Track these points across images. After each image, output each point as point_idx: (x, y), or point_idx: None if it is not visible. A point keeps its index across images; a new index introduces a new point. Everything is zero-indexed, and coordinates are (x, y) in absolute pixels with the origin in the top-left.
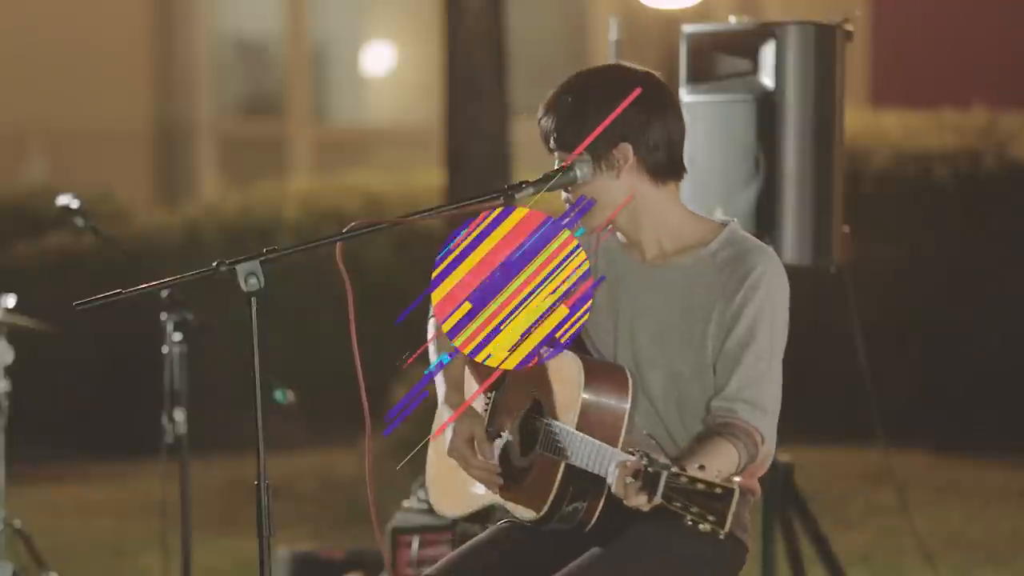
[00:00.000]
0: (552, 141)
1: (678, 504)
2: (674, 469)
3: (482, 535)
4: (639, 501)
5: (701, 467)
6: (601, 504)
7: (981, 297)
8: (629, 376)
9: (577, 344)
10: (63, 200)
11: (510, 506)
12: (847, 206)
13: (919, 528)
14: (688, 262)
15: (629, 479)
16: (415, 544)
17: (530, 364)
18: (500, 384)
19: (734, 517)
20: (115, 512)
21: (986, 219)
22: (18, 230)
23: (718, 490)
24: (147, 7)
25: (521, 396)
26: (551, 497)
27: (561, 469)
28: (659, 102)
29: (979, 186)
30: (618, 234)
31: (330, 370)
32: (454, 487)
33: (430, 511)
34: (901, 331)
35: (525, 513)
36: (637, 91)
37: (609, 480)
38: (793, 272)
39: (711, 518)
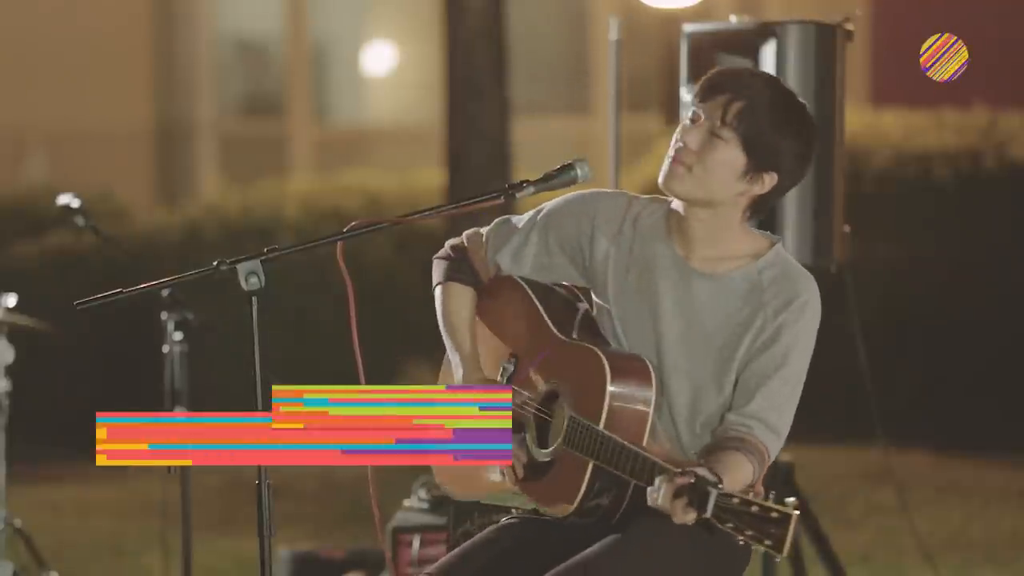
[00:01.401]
0: (730, 120)
1: (730, 525)
2: (723, 488)
3: (483, 533)
4: (688, 518)
5: (748, 488)
6: (625, 502)
7: (981, 297)
8: (651, 368)
9: (594, 320)
10: (63, 200)
11: (532, 500)
12: (847, 206)
13: (919, 528)
14: (735, 275)
15: (678, 495)
16: (416, 543)
17: (547, 346)
18: (511, 366)
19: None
20: (115, 512)
21: (986, 219)
22: (18, 230)
23: (774, 515)
24: (147, 7)
25: (534, 378)
26: (579, 496)
27: (590, 469)
28: (811, 161)
29: (979, 186)
30: (664, 212)
31: (331, 369)
32: (466, 468)
33: (431, 511)
34: (901, 331)
35: (549, 509)
36: (815, 141)
37: (655, 497)
38: None
39: (768, 542)
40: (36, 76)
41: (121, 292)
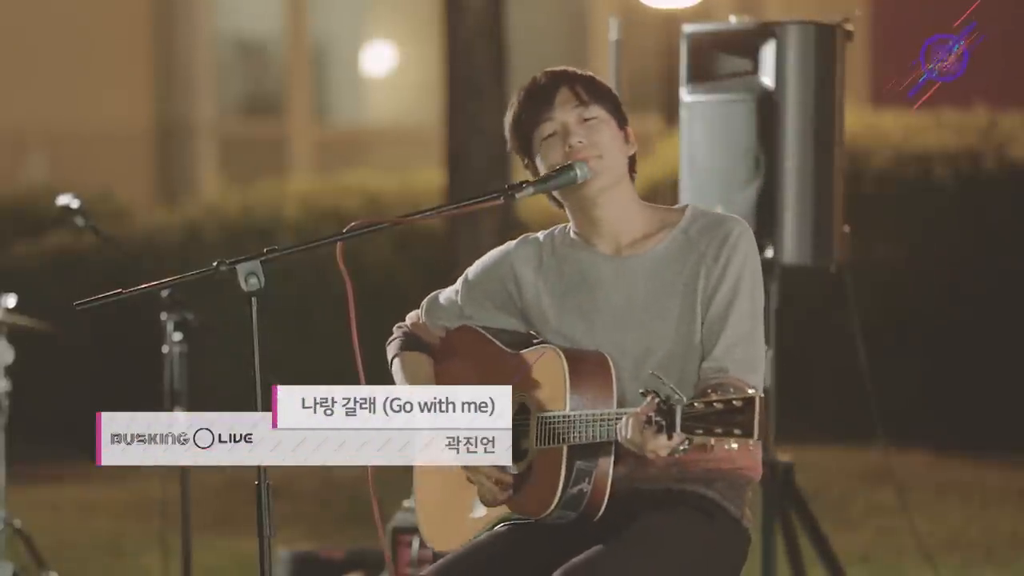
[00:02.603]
0: (587, 98)
1: (700, 431)
2: (685, 400)
3: (479, 538)
4: (658, 444)
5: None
6: (608, 485)
7: (981, 297)
8: (609, 359)
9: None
10: (63, 200)
11: (517, 510)
12: (847, 206)
13: (919, 528)
14: (662, 244)
15: (644, 424)
16: (415, 544)
17: (506, 368)
18: None
19: (738, 494)
20: (115, 512)
21: (986, 219)
22: (18, 230)
23: (737, 403)
24: (147, 7)
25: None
26: (560, 484)
27: (564, 454)
28: None
29: (979, 186)
30: (570, 232)
31: (330, 369)
32: (450, 517)
33: None
34: (901, 331)
35: (536, 512)
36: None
37: (623, 434)
38: (793, 271)
39: (737, 431)
40: (36, 76)
41: (121, 292)
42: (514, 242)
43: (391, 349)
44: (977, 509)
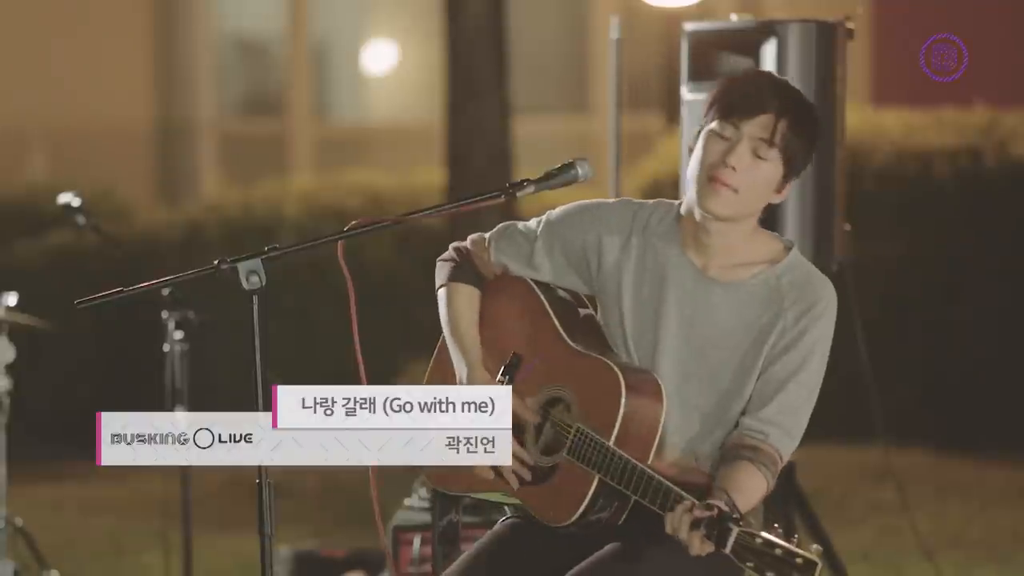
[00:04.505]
0: (778, 141)
1: (751, 564)
2: (744, 526)
3: (484, 540)
4: (704, 549)
5: (775, 527)
6: (624, 516)
7: (981, 296)
8: (661, 385)
9: (600, 327)
10: (64, 198)
11: (528, 505)
12: (848, 204)
13: (920, 526)
14: (754, 281)
15: (697, 526)
16: (416, 543)
17: (553, 348)
18: (514, 366)
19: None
20: (116, 511)
21: (986, 218)
22: (20, 228)
23: (799, 560)
24: (148, 6)
25: (539, 386)
26: (581, 509)
27: (595, 483)
28: None
29: (980, 185)
30: (671, 217)
31: (332, 368)
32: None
33: (432, 509)
34: (901, 330)
35: (545, 516)
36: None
37: (673, 523)
38: None
39: None
40: (37, 75)
41: (122, 291)
42: (611, 202)
43: (441, 272)
44: (977, 507)
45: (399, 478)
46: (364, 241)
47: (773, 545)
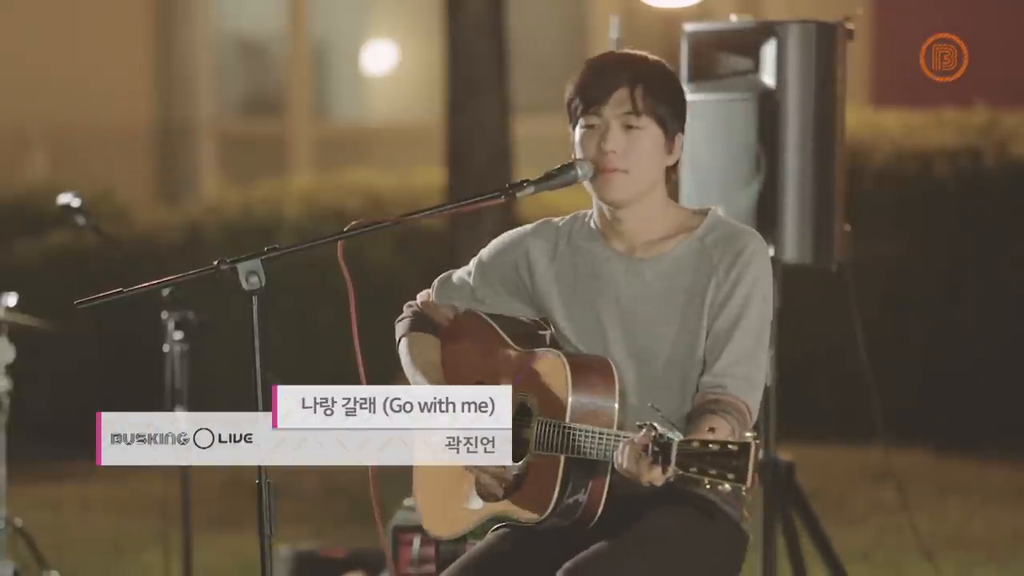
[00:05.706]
0: (642, 107)
1: (694, 469)
2: (681, 437)
3: (479, 545)
4: (653, 475)
5: (711, 429)
6: (604, 497)
7: (981, 296)
8: (611, 363)
9: (557, 345)
10: (64, 199)
11: (511, 511)
12: (848, 204)
13: (920, 526)
14: (677, 249)
15: (640, 454)
16: (416, 543)
17: (514, 366)
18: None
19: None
20: (116, 510)
21: (986, 218)
22: (19, 229)
23: (733, 447)
24: (148, 6)
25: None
26: (555, 494)
27: (561, 464)
28: None
29: (980, 185)
30: (590, 222)
31: (331, 368)
32: (448, 505)
33: None
34: (901, 330)
35: (527, 515)
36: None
37: (619, 460)
38: (794, 270)
39: (731, 476)
40: (37, 75)
41: (122, 292)
42: (531, 226)
43: (400, 328)
44: (977, 507)
45: (399, 478)
46: (364, 241)
47: (707, 443)
